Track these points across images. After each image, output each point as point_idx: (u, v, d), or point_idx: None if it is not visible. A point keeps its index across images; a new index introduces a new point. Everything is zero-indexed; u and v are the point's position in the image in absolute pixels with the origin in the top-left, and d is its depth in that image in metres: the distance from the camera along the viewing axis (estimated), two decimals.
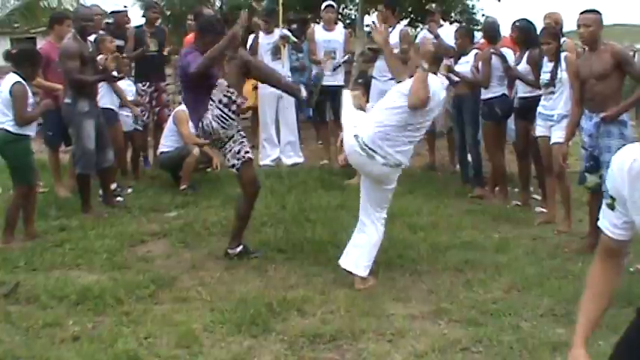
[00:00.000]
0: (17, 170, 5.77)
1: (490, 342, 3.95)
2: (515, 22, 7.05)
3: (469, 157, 7.90)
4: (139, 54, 8.41)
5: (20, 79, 5.63)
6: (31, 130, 5.82)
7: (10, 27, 17.78)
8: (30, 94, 5.74)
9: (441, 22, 9.18)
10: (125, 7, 9.17)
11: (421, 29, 11.48)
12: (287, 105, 8.99)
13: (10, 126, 5.64)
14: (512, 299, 4.59)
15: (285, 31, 8.82)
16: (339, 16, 12.28)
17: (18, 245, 5.71)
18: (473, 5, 18.56)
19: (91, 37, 7.11)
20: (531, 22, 6.96)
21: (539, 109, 6.36)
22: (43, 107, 5.91)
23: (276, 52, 8.77)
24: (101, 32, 7.85)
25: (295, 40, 9.00)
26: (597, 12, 5.48)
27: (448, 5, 16.87)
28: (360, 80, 9.36)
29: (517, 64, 6.91)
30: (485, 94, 7.32)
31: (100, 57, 6.96)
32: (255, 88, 9.42)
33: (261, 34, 8.80)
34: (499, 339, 3.98)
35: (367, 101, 8.36)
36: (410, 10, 17.31)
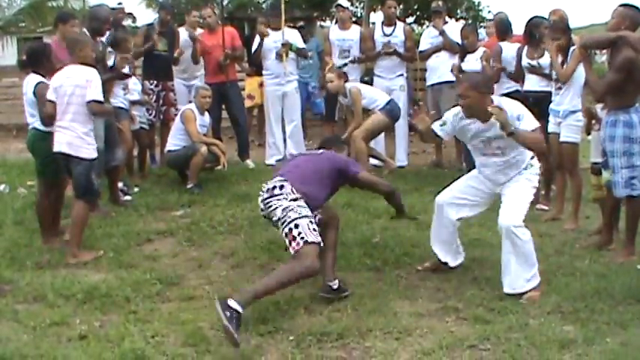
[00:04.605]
0: (46, 168, 5.76)
1: (497, 339, 3.94)
2: (533, 18, 7.08)
3: None
4: (146, 50, 8.41)
5: (41, 79, 5.62)
6: None
7: (16, 27, 17.82)
8: None
9: (447, 19, 9.17)
10: (120, 3, 9.16)
11: (427, 26, 11.48)
12: (292, 103, 8.97)
13: (39, 124, 5.65)
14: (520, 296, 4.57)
15: (288, 39, 8.72)
16: None
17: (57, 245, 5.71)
18: (479, 2, 18.56)
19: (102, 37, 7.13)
20: (545, 18, 6.96)
21: (551, 105, 6.34)
22: None
23: (278, 57, 8.74)
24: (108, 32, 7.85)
25: (299, 47, 8.89)
26: (630, 7, 5.26)
27: (454, 2, 16.87)
28: (366, 78, 9.37)
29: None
30: (498, 90, 7.29)
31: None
32: (262, 85, 9.42)
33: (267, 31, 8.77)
34: (507, 336, 3.97)
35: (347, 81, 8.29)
36: (416, 7, 17.34)
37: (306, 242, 4.19)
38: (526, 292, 4.55)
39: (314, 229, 4.28)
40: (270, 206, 4.42)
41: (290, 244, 4.25)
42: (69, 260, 5.34)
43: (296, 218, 4.28)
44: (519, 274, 4.58)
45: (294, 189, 4.43)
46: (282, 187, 4.44)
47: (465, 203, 4.97)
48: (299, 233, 4.23)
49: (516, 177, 4.77)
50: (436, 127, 4.95)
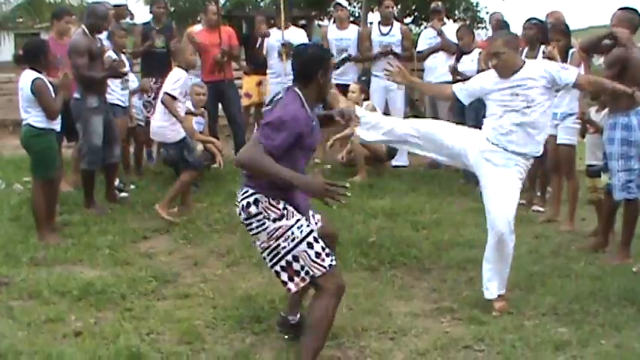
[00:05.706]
0: (39, 164, 5.75)
1: (492, 340, 3.96)
2: (529, 20, 7.06)
3: None
4: (145, 49, 8.40)
5: (38, 75, 5.62)
6: (56, 125, 5.79)
7: (14, 23, 17.78)
8: (50, 86, 5.72)
9: (445, 20, 9.18)
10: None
11: (425, 27, 11.48)
12: None
13: (34, 121, 5.64)
14: (515, 298, 4.58)
15: (289, 39, 8.69)
16: None
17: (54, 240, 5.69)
18: (477, 3, 18.58)
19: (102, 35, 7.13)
20: (542, 21, 6.96)
21: None
22: (62, 94, 5.87)
23: (279, 56, 8.74)
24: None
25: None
26: (628, 9, 5.29)
27: (452, 3, 16.89)
28: (363, 78, 9.36)
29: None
30: None
31: (107, 55, 7.00)
32: (259, 83, 9.41)
33: (272, 31, 8.77)
34: (501, 337, 3.98)
35: (367, 99, 8.34)
36: (414, 8, 17.35)
37: (314, 277, 3.42)
38: (496, 300, 4.43)
39: (316, 254, 3.41)
40: (251, 229, 3.58)
41: (292, 279, 3.44)
42: (158, 210, 6.21)
43: (292, 248, 3.43)
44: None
45: (272, 198, 3.48)
46: (256, 201, 3.50)
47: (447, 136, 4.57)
48: (302, 267, 3.42)
49: (507, 164, 4.37)
50: (456, 88, 4.67)
